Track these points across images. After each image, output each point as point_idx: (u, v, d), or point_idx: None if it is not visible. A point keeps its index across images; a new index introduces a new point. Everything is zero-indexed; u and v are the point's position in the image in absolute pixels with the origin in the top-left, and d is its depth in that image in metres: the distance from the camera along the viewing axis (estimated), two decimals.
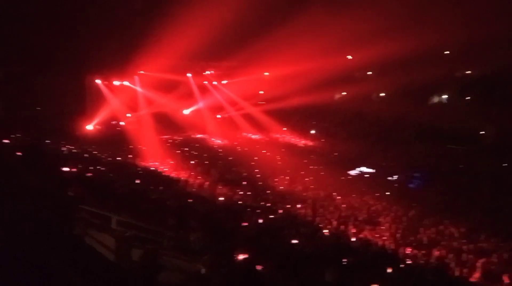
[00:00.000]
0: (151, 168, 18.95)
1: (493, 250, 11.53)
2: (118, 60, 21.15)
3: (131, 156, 20.58)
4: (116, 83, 24.08)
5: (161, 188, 15.24)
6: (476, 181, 16.74)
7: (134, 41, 19.52)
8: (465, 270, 10.20)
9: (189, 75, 25.69)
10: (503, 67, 19.06)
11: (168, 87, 24.96)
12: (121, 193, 13.68)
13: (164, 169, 19.17)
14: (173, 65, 23.17)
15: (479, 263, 10.51)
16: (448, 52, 20.77)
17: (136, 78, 24.64)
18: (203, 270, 7.88)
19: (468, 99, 20.69)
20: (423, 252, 11.22)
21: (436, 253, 11.06)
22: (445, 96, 22.37)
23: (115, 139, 22.48)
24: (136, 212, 11.57)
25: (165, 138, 24.31)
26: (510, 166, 17.70)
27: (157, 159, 20.70)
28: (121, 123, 24.96)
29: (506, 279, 9.86)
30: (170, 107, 25.48)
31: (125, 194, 13.63)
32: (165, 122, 24.63)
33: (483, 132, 19.55)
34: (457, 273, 10.06)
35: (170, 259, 8.44)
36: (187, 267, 8.28)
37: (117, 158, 19.77)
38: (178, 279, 7.83)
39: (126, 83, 24.49)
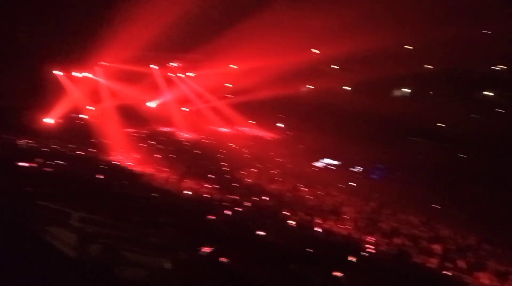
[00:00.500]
0: (115, 162, 18.52)
1: (450, 236, 12.12)
2: (79, 50, 20.43)
3: (93, 150, 20.01)
4: (77, 74, 23.27)
5: (125, 182, 14.93)
6: (435, 172, 17.45)
7: (95, 31, 18.90)
8: (423, 256, 10.63)
9: (154, 67, 25.17)
10: (463, 62, 19.86)
11: (132, 79, 24.35)
12: (83, 188, 13.30)
13: (129, 163, 18.77)
14: (137, 57, 22.59)
15: (437, 249, 11.01)
16: (410, 47, 21.40)
17: (98, 69, 23.89)
18: (168, 265, 7.81)
19: (429, 93, 21.44)
20: (385, 240, 11.61)
21: (396, 240, 11.48)
22: (407, 90, 23.08)
23: (76, 132, 21.78)
24: (99, 207, 11.29)
25: (129, 131, 23.76)
26: (467, 157, 18.57)
27: (121, 153, 20.25)
28: (83, 116, 24.18)
29: (461, 264, 10.38)
30: (135, 100, 24.90)
31: (87, 189, 13.28)
32: (130, 115, 24.05)
33: (443, 125, 20.39)
34: (416, 259, 10.47)
35: (134, 254, 8.28)
36: (151, 262, 8.16)
37: (79, 152, 19.18)
38: (141, 275, 7.71)
39: (87, 74, 23.70)
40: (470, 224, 12.78)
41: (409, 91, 23.05)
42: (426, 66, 21.87)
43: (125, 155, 20.08)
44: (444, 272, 9.98)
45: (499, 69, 21.40)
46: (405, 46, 21.12)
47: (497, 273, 10.03)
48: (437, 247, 11.21)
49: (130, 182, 15.35)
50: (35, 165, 14.59)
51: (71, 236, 8.85)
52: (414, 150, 19.69)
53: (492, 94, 21.30)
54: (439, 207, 14.30)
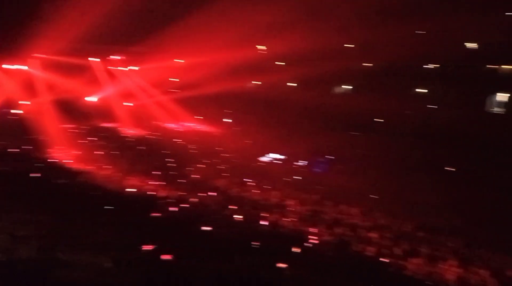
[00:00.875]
0: (52, 160, 17.67)
1: (387, 225, 12.82)
2: (11, 41, 19.15)
3: (29, 147, 18.95)
4: (9, 66, 21.83)
5: (64, 181, 14.32)
6: (373, 164, 18.39)
7: (29, 20, 17.80)
8: (362, 245, 11.16)
9: (94, 59, 24.15)
10: (399, 61, 20.98)
11: (71, 72, 23.21)
12: (17, 188, 12.66)
13: (68, 161, 17.95)
14: (76, 49, 21.59)
15: (375, 238, 11.62)
16: (351, 45, 22.26)
17: (32, 61, 22.53)
18: (108, 264, 7.63)
19: (367, 89, 22.43)
20: (327, 231, 12.05)
21: (338, 231, 11.96)
22: (348, 87, 24.03)
23: (9, 128, 20.50)
24: (35, 207, 10.80)
25: (68, 127, 22.65)
26: (403, 150, 19.73)
27: (60, 150, 19.32)
28: (16, 111, 22.73)
29: (397, 250, 11.02)
30: (74, 94, 23.77)
31: (21, 189, 12.64)
32: (68, 109, 22.92)
33: (378, 120, 21.51)
34: (355, 248, 10.97)
35: (71, 255, 8.00)
36: (90, 262, 7.92)
37: (12, 150, 18.09)
38: (78, 276, 7.47)
39: (21, 66, 22.30)
40: (405, 213, 13.59)
41: (350, 87, 24.03)
42: (365, 64, 22.89)
43: (63, 152, 19.20)
44: (381, 259, 10.54)
45: (432, 67, 22.86)
46: (345, 45, 21.97)
47: (430, 258, 10.75)
48: (375, 236, 11.82)
49: (69, 181, 14.77)
50: None
51: (2, 238, 8.41)
52: (354, 143, 20.60)
53: (425, 90, 22.70)
54: (377, 197, 15.07)
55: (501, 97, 22.76)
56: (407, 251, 11.05)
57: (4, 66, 21.66)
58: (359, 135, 21.31)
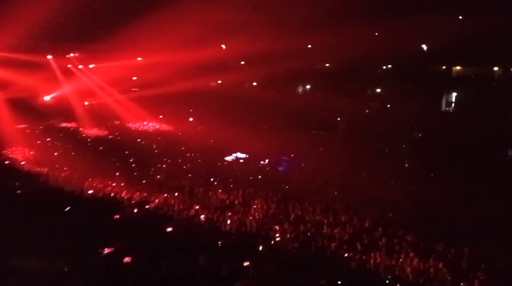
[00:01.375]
0: (7, 161, 16.85)
1: (348, 221, 13.12)
2: None
3: None
4: None
5: (16, 183, 13.66)
6: (334, 161, 18.84)
7: None
8: (325, 241, 11.38)
9: (50, 57, 23.23)
10: (357, 62, 21.64)
11: (27, 70, 22.21)
12: None
13: (23, 162, 17.16)
14: (32, 46, 20.70)
15: (337, 234, 11.87)
16: (310, 46, 22.71)
17: None
18: (65, 269, 7.36)
19: (327, 89, 23.01)
20: (291, 228, 12.18)
21: (301, 228, 12.12)
22: (308, 87, 24.53)
23: None
24: None
25: (22, 127, 21.66)
26: (361, 147, 20.35)
27: (15, 151, 18.47)
28: None
29: (358, 245, 11.31)
30: (28, 93, 22.77)
31: None
32: (22, 109, 21.93)
33: (340, 119, 22.10)
34: (318, 244, 11.17)
35: (27, 260, 7.66)
36: (46, 267, 7.62)
37: None
38: (35, 281, 7.18)
39: None
40: (365, 209, 13.97)
41: (310, 87, 24.55)
42: (326, 65, 23.45)
43: (18, 153, 18.37)
44: (344, 254, 10.80)
45: (388, 67, 23.74)
46: (308, 46, 22.39)
47: (389, 251, 11.12)
48: (337, 232, 12.08)
49: (24, 183, 14.11)
50: None
51: None
52: (316, 141, 20.99)
53: (381, 90, 23.61)
54: (336, 193, 15.47)
55: (454, 96, 24.04)
56: (368, 245, 11.37)
57: None
58: (320, 133, 21.79)
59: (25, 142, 19.40)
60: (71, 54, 24.26)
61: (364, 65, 22.66)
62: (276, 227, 11.91)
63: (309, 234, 11.89)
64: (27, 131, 21.51)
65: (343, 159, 18.99)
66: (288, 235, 11.68)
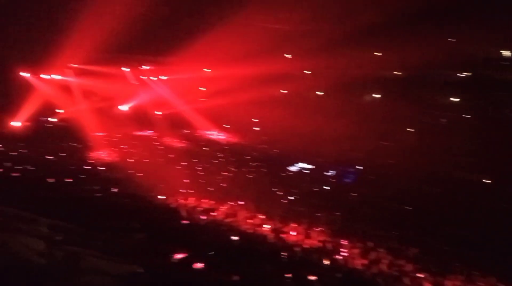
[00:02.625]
0: (86, 167, 18.08)
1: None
2: (47, 51, 19.89)
3: (63, 154, 19.52)
4: (46, 76, 22.66)
5: (96, 187, 14.63)
6: (404, 175, 17.91)
7: (64, 31, 18.46)
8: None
9: (125, 69, 24.79)
10: (429, 68, 20.47)
11: (103, 82, 23.91)
12: (52, 193, 12.98)
13: (100, 168, 18.35)
14: (108, 59, 22.25)
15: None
16: (379, 53, 21.89)
17: (67, 71, 23.33)
18: (139, 271, 7.68)
19: (397, 98, 21.95)
20: (358, 243, 11.78)
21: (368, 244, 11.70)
22: (376, 95, 23.60)
23: (45, 136, 21.21)
24: (68, 213, 11.03)
25: (101, 135, 23.24)
26: (434, 159, 19.16)
27: (92, 157, 19.80)
28: (52, 119, 23.55)
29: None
30: (106, 103, 24.43)
31: (55, 195, 12.97)
32: (101, 118, 23.56)
33: (410, 129, 20.96)
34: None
35: (100, 261, 8.10)
36: (119, 269, 8.00)
37: (48, 157, 18.66)
38: (106, 282, 7.55)
39: (56, 76, 23.12)
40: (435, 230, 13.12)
41: (378, 96, 23.58)
42: (396, 72, 22.44)
43: (96, 159, 19.64)
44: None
45: (464, 75, 22.22)
46: (375, 53, 21.60)
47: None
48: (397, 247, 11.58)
49: (102, 187, 15.06)
50: (1, 170, 14.16)
51: (37, 243, 8.61)
52: (384, 153, 20.09)
53: (457, 99, 22.05)
54: (410, 208, 14.70)
55: None
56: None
57: (42, 76, 22.47)
58: (389, 144, 20.82)
59: (104, 149, 20.74)
60: (145, 67, 25.69)
61: (438, 72, 21.37)
62: (343, 241, 11.58)
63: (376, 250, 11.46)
64: (106, 139, 23.00)
65: (414, 172, 17.98)
66: (355, 250, 11.34)
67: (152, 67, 25.83)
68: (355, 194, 16.30)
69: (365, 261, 10.89)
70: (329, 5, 18.88)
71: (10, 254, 8.39)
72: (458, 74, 22.57)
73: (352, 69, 20.61)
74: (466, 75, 22.13)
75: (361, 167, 19.17)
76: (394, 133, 20.76)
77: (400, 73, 22.28)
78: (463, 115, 20.99)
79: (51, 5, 18.16)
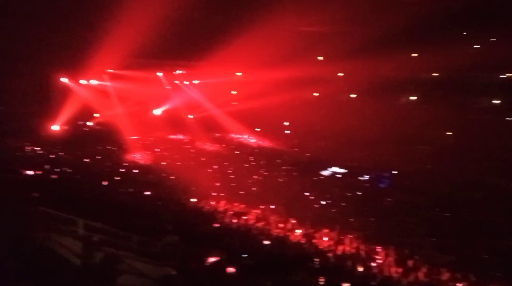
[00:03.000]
0: (121, 170, 18.49)
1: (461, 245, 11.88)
2: (85, 58, 20.53)
3: (99, 157, 20.03)
4: (83, 81, 23.41)
5: (130, 190, 14.90)
6: (442, 180, 17.25)
7: (101, 38, 18.99)
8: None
9: (159, 74, 25.27)
10: (466, 70, 19.67)
11: (138, 86, 24.45)
12: (89, 195, 13.30)
13: (135, 171, 18.72)
14: (143, 64, 22.74)
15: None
16: (415, 54, 21.25)
17: (104, 76, 24.02)
18: (173, 273, 7.72)
19: (435, 100, 21.23)
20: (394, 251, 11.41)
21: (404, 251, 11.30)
22: (413, 97, 22.89)
23: (82, 139, 21.85)
24: (104, 215, 11.26)
25: (135, 138, 23.76)
26: (474, 164, 18.34)
27: (127, 160, 20.24)
28: (89, 123, 24.30)
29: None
30: (141, 106, 24.97)
31: (92, 197, 13.28)
32: (135, 122, 24.09)
33: (449, 133, 20.17)
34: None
35: (135, 262, 8.20)
36: (154, 271, 8.07)
37: (85, 160, 19.20)
38: (142, 283, 7.63)
39: (93, 81, 23.85)
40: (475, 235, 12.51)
41: (414, 98, 22.83)
42: (433, 74, 21.69)
43: (130, 162, 20.06)
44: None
45: (505, 76, 21.22)
46: (412, 55, 20.93)
47: None
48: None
49: (136, 190, 15.31)
50: (40, 172, 14.64)
51: (75, 244, 8.82)
52: (420, 157, 19.43)
53: (499, 101, 21.08)
54: (448, 214, 14.12)
55: None
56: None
57: (80, 81, 23.22)
58: (426, 148, 20.11)
59: (138, 152, 21.16)
60: (178, 71, 26.09)
61: (478, 73, 20.47)
62: (378, 248, 11.24)
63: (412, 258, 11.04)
64: (140, 142, 23.49)
65: (453, 177, 17.28)
66: (390, 259, 10.98)
67: (185, 72, 26.19)
68: (390, 200, 15.82)
69: (401, 269, 10.52)
70: (363, 5, 18.50)
71: (49, 254, 8.65)
72: (500, 76, 21.62)
73: (387, 71, 20.05)
74: (508, 76, 21.17)
75: (396, 172, 18.60)
76: (431, 136, 20.07)
77: (437, 74, 21.54)
78: (506, 118, 20.06)
79: (88, 13, 18.75)
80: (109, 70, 23.88)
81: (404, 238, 12.49)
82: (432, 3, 17.18)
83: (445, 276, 10.31)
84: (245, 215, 13.49)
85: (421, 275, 10.32)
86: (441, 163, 18.49)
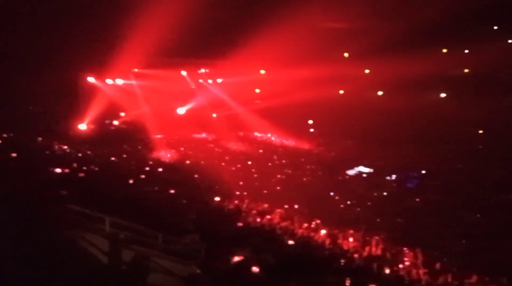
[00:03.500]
0: (146, 168, 18.72)
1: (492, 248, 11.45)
2: (111, 57, 20.86)
3: (124, 155, 20.35)
4: (110, 81, 23.82)
5: (156, 188, 15.04)
6: (473, 180, 16.66)
7: (126, 38, 19.26)
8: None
9: (184, 72, 25.47)
10: (498, 66, 18.94)
11: (163, 85, 24.71)
12: (115, 193, 13.47)
13: (159, 170, 18.92)
14: (167, 63, 22.93)
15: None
16: (445, 50, 20.59)
17: (130, 75, 24.37)
18: (198, 272, 7.73)
19: (464, 97, 20.51)
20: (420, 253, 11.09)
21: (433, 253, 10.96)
22: (442, 95, 22.19)
23: (108, 138, 22.23)
24: (130, 213, 11.38)
25: (160, 137, 24.04)
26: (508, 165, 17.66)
27: (152, 159, 20.47)
28: (115, 122, 24.70)
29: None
30: (166, 105, 25.22)
31: (119, 195, 13.44)
32: (160, 120, 24.37)
33: (481, 132, 19.46)
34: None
35: (162, 261, 8.24)
36: (179, 269, 8.10)
37: (111, 158, 19.52)
38: (168, 282, 7.66)
39: (119, 81, 24.24)
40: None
41: (444, 95, 22.10)
42: (465, 70, 20.96)
43: (155, 161, 20.29)
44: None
45: None
46: (443, 50, 20.28)
47: None
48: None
49: (160, 188, 15.46)
50: (68, 170, 14.94)
51: (103, 241, 8.94)
52: (449, 157, 18.81)
53: None
54: (478, 215, 13.62)
55: None
56: None
57: (106, 81, 23.63)
58: (456, 147, 19.45)
59: (162, 151, 21.40)
60: (202, 70, 26.22)
61: (510, 70, 19.67)
62: (406, 250, 10.94)
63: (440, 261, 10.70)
64: (164, 141, 23.76)
65: (484, 177, 16.65)
66: (418, 261, 10.67)
67: (209, 70, 26.31)
68: (418, 200, 15.40)
69: (429, 272, 10.21)
70: (390, 0, 18.08)
71: (78, 251, 8.79)
72: None
73: (415, 68, 19.47)
74: None
75: (424, 172, 18.08)
76: (461, 135, 19.39)
77: (468, 71, 20.81)
78: None
79: (114, 13, 19.04)
80: (135, 70, 24.23)
81: (433, 240, 12.11)
82: None
83: (475, 279, 9.95)
84: (269, 215, 13.41)
85: (450, 278, 9.99)
86: (472, 163, 17.86)
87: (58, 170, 13.72)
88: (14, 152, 15.65)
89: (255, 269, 8.25)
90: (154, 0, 17.54)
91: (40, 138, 19.10)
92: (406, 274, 10.10)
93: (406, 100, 20.59)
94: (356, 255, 10.76)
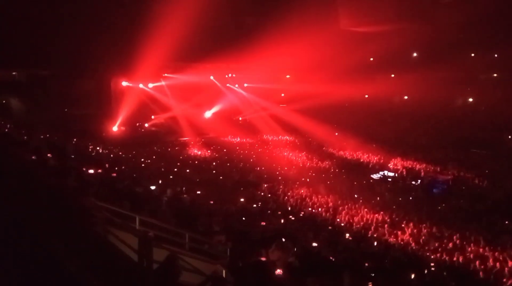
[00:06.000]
0: (174, 169, 19.18)
1: None
2: (143, 63, 21.56)
3: (154, 156, 20.90)
4: (141, 85, 24.58)
5: (183, 188, 15.40)
6: (501, 186, 16.23)
7: (158, 44, 19.89)
8: (491, 276, 9.92)
9: (212, 77, 26.00)
10: None
11: (191, 89, 25.30)
12: (145, 193, 13.87)
13: (186, 170, 19.35)
14: (196, 68, 23.52)
15: (506, 269, 10.20)
16: (472, 54, 20.23)
17: (160, 80, 25.10)
18: (223, 272, 7.92)
19: (493, 102, 20.04)
20: (447, 257, 10.96)
21: (460, 258, 10.79)
22: (470, 99, 21.76)
23: (138, 140, 22.87)
24: (158, 212, 11.72)
25: (186, 139, 24.56)
26: None
27: (180, 160, 20.95)
28: (145, 124, 25.44)
29: None
30: (193, 109, 25.79)
31: (148, 195, 13.83)
32: (189, 123, 24.91)
33: (511, 137, 18.91)
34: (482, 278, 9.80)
35: (189, 260, 8.49)
36: (205, 268, 8.34)
37: (141, 159, 20.10)
38: (196, 281, 7.88)
39: (151, 85, 25.00)
40: None
41: (472, 100, 21.65)
42: (493, 75, 20.52)
43: (183, 162, 20.74)
44: None
45: None
46: (472, 54, 19.93)
47: None
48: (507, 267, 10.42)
49: (187, 188, 15.80)
50: (101, 170, 15.51)
51: (132, 239, 9.30)
52: (478, 162, 18.32)
53: None
54: (507, 222, 13.25)
55: None
56: None
57: (140, 85, 24.42)
58: (483, 152, 18.98)
59: (190, 153, 21.84)
60: (229, 75, 26.68)
61: None
62: (430, 254, 10.85)
63: (468, 267, 10.53)
64: (192, 143, 24.25)
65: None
66: (442, 266, 10.55)
67: (236, 75, 26.74)
68: (444, 205, 15.16)
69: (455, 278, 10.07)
70: (418, 5, 17.96)
71: (110, 248, 9.17)
72: None
73: (442, 71, 19.22)
74: None
75: (450, 176, 17.73)
76: (490, 140, 18.91)
77: (496, 75, 20.35)
78: None
79: (146, 20, 19.71)
80: (165, 74, 24.92)
81: (461, 246, 11.90)
82: (490, 1, 16.30)
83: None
84: (292, 216, 13.53)
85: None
86: (501, 168, 17.39)
87: (92, 170, 14.28)
88: (49, 153, 16.34)
89: (278, 271, 8.38)
90: (185, 8, 18.10)
91: (75, 139, 19.88)
92: (432, 278, 10.02)
93: (432, 105, 20.30)
94: (382, 258, 10.73)
